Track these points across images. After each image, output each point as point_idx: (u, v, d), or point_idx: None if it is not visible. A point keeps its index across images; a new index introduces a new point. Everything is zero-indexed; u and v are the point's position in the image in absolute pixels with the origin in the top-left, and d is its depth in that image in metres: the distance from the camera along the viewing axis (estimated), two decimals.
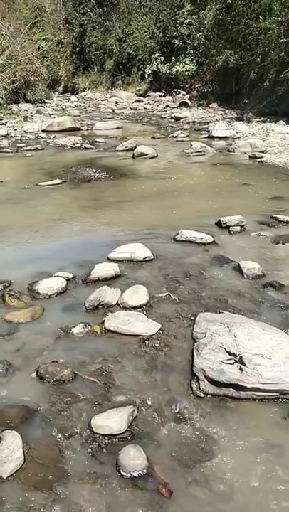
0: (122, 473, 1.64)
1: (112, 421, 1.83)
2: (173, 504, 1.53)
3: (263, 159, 7.52)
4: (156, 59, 21.05)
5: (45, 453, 1.74)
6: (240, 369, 1.95)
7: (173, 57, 20.23)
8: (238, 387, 1.96)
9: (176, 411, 1.94)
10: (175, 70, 19.75)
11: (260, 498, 1.56)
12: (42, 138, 10.02)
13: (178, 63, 19.74)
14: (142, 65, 22.27)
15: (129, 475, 1.63)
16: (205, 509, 1.52)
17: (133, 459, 1.66)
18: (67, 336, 2.49)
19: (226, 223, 4.15)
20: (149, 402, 1.99)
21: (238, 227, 4.11)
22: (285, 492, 1.57)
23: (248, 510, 1.52)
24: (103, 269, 3.18)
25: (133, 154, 7.82)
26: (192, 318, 2.60)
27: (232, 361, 2.00)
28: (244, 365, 1.95)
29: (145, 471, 1.64)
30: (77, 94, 24.49)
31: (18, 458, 1.67)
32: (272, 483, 1.61)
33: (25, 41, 17.21)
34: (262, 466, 1.67)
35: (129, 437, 1.80)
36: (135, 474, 1.63)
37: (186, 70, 19.50)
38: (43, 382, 2.11)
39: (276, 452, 1.74)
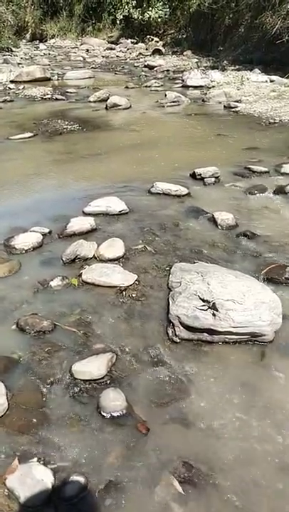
0: (102, 414, 1.73)
1: (92, 367, 1.91)
2: (150, 439, 1.64)
3: (237, 109, 7.45)
4: (127, 3, 20.08)
5: (29, 399, 1.82)
6: (214, 314, 2.04)
7: (144, 2, 19.31)
8: (211, 331, 2.06)
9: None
10: (147, 15, 18.91)
11: (229, 433, 1.68)
12: (11, 89, 9.63)
13: (150, 8, 18.89)
14: (112, 10, 21.24)
15: (109, 415, 1.73)
16: (180, 443, 1.64)
17: (113, 400, 1.76)
18: (45, 289, 2.53)
19: (200, 175, 4.17)
20: (127, 349, 2.08)
21: (213, 179, 4.13)
22: (254, 426, 1.70)
23: (219, 444, 1.64)
24: (79, 223, 3.19)
25: (106, 105, 7.62)
26: (167, 268, 2.66)
27: (205, 307, 2.09)
28: (217, 310, 2.04)
29: (124, 411, 1.74)
30: (45, 41, 23.33)
31: (1, 404, 1.74)
32: (242, 419, 1.73)
33: None
34: (233, 404, 1.79)
35: (108, 381, 1.89)
36: (115, 414, 1.73)
37: (159, 17, 18.72)
38: (24, 334, 2.17)
39: (246, 390, 1.86)
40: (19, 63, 13.80)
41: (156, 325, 2.23)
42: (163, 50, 16.75)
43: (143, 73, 12.26)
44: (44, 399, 1.82)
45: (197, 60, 13.66)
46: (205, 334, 2.08)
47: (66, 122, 6.62)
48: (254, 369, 1.96)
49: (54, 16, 24.18)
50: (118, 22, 21.14)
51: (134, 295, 2.47)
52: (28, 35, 24.27)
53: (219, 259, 2.80)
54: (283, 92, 8.36)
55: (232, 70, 11.17)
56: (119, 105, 7.56)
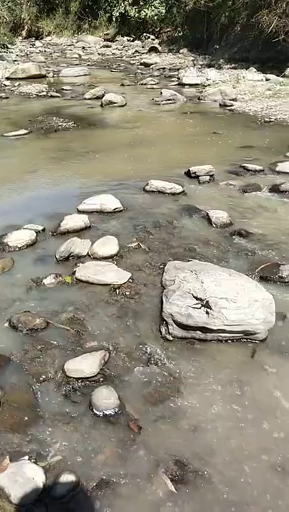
0: (95, 412, 1.73)
1: (84, 365, 1.90)
2: (142, 438, 1.64)
3: (233, 107, 7.45)
4: (123, 0, 20.02)
5: (20, 397, 1.81)
6: (207, 312, 2.04)
7: None
8: (204, 329, 2.05)
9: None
10: (144, 13, 18.86)
11: (222, 430, 1.68)
12: (6, 86, 9.58)
13: (147, 6, 18.84)
14: (109, 7, 21.18)
15: (101, 413, 1.72)
16: (172, 441, 1.63)
17: (105, 398, 1.75)
18: (38, 287, 2.51)
19: (195, 173, 4.16)
20: (120, 347, 2.07)
21: (208, 177, 4.12)
22: (246, 424, 1.70)
23: (211, 442, 1.63)
24: (73, 221, 3.18)
25: (101, 103, 7.61)
26: (161, 266, 2.66)
27: (199, 305, 2.08)
28: (210, 308, 2.03)
29: (117, 409, 1.73)
30: (41, 39, 23.24)
31: None
32: (234, 417, 1.73)
33: None
34: (225, 401, 1.79)
35: (101, 379, 1.88)
36: (107, 412, 1.72)
37: (155, 15, 18.67)
38: (16, 332, 2.16)
39: (239, 388, 1.85)
40: (15, 60, 13.72)
41: (149, 323, 2.23)
42: (159, 48, 16.74)
43: (139, 71, 12.24)
44: (36, 397, 1.81)
45: (193, 58, 13.66)
46: (198, 332, 2.08)
47: (61, 119, 6.59)
48: (247, 367, 1.96)
49: (50, 13, 24.06)
50: (114, 20, 21.08)
51: (127, 293, 2.46)
52: (23, 32, 24.12)
53: (213, 257, 2.80)
54: (279, 90, 8.37)
55: (228, 68, 11.18)
56: (115, 103, 7.54)
